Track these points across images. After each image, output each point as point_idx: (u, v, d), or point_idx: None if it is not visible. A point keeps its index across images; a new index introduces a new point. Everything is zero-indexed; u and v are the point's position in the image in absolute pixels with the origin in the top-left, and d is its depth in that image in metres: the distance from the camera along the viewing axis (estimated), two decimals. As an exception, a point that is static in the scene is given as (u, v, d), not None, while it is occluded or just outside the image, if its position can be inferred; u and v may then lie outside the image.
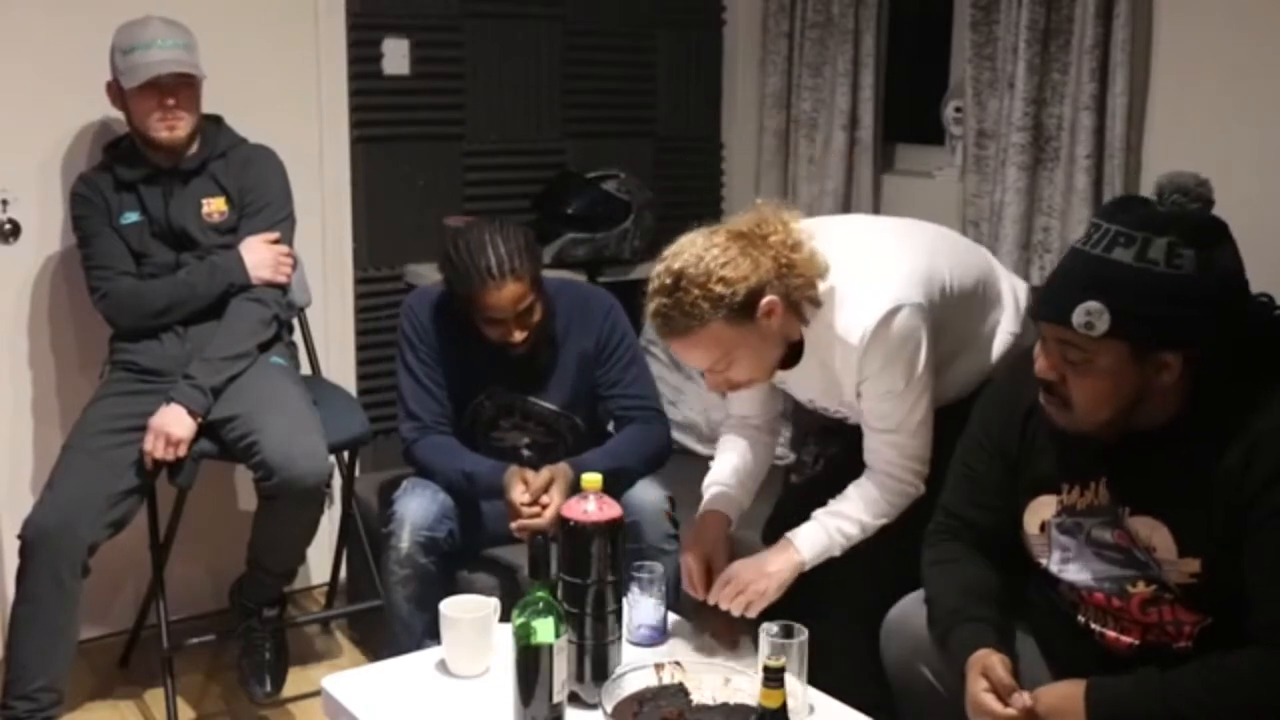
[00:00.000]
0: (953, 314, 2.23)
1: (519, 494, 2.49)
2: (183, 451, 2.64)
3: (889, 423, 2.20)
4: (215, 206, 2.86)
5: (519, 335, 2.57)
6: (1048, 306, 1.77)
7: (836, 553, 2.22)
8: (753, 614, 2.16)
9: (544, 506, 2.47)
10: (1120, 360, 1.71)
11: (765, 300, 2.07)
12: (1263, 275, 1.84)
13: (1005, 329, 2.35)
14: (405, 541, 2.56)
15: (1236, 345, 1.74)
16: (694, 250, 2.08)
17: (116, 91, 2.80)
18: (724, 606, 2.17)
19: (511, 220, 2.68)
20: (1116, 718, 1.73)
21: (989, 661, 1.81)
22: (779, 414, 2.51)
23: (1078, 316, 1.69)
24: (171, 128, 2.78)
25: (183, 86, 2.77)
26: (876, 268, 2.17)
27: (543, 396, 2.72)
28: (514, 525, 2.49)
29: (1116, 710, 1.73)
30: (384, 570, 2.62)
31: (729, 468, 2.43)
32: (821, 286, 2.13)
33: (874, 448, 2.24)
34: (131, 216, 2.83)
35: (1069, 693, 1.76)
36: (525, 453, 2.74)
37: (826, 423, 2.47)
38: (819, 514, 2.24)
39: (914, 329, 2.12)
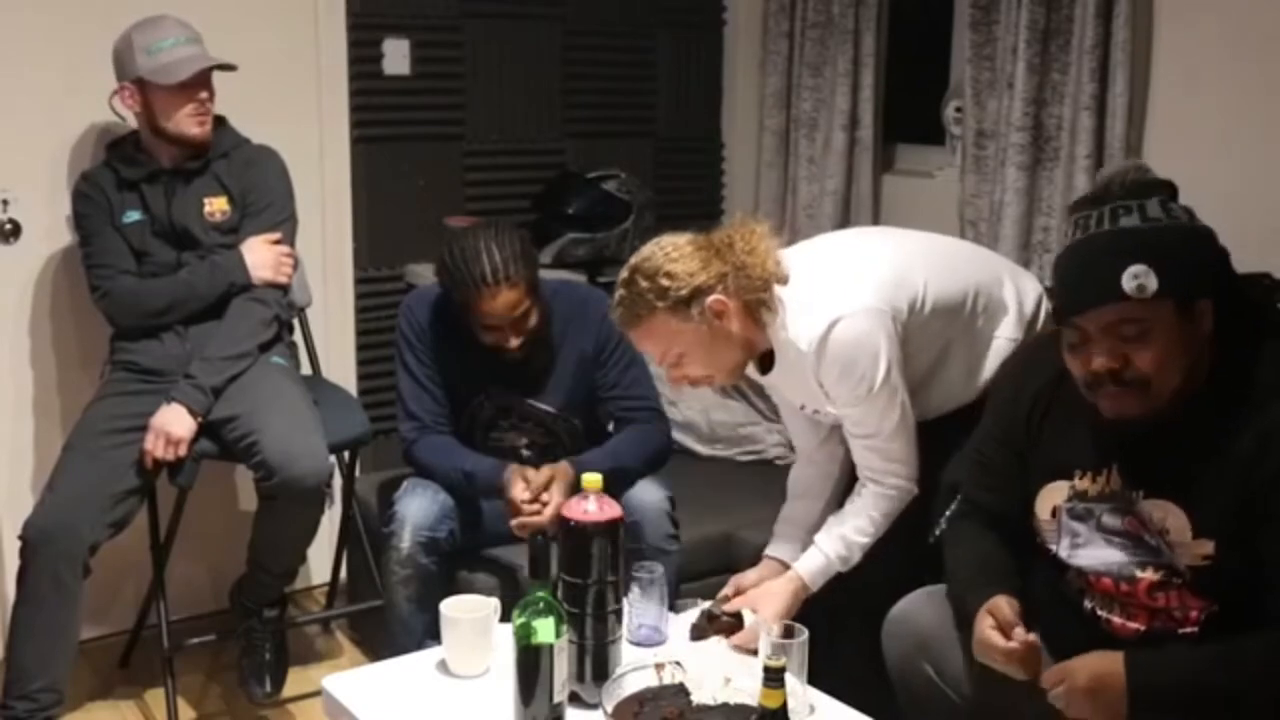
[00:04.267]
0: (930, 326, 2.25)
1: (519, 491, 2.49)
2: (183, 451, 2.64)
3: (865, 428, 2.24)
4: (217, 206, 2.87)
5: (515, 341, 2.57)
6: (1087, 293, 1.73)
7: (839, 569, 2.27)
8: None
9: (544, 504, 2.47)
10: (1171, 318, 1.72)
11: (711, 299, 2.14)
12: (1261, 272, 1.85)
13: (1005, 335, 2.35)
14: (406, 542, 2.57)
15: (1241, 307, 1.77)
16: (652, 248, 2.21)
17: (135, 90, 2.79)
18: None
19: (509, 222, 2.68)
20: (1156, 684, 1.74)
21: (996, 602, 1.85)
22: (827, 437, 2.48)
23: (1127, 282, 1.69)
24: (202, 123, 2.81)
25: (208, 83, 2.81)
26: (832, 279, 2.21)
27: (540, 399, 2.72)
28: (514, 523, 2.49)
29: (1157, 676, 1.75)
30: (385, 570, 2.62)
31: (800, 506, 2.47)
32: (779, 293, 2.17)
33: (857, 453, 2.28)
34: (133, 215, 2.83)
35: (1106, 661, 1.76)
36: (524, 453, 2.74)
37: None
38: (819, 539, 2.28)
39: (865, 336, 2.14)
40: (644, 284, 2.15)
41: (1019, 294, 2.38)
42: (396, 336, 2.74)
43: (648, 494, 2.61)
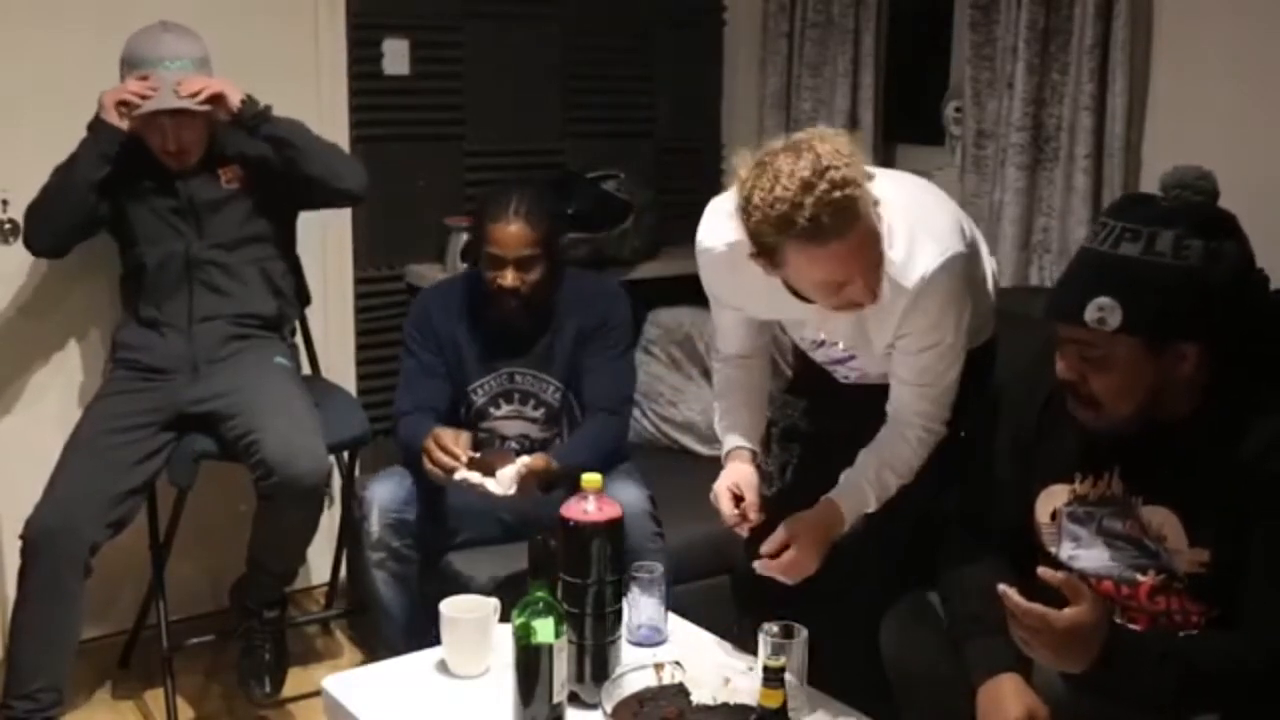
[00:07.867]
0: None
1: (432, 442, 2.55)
2: (218, 88, 2.70)
3: (927, 377, 2.15)
4: (232, 173, 2.88)
5: (512, 279, 2.63)
6: (1061, 307, 1.78)
7: (872, 508, 2.20)
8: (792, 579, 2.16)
9: (455, 456, 2.52)
10: (1137, 353, 1.72)
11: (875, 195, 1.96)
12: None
13: (988, 272, 2.34)
14: (375, 525, 2.63)
15: (1255, 334, 1.75)
16: (820, 147, 1.93)
17: None
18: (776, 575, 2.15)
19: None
20: (1127, 649, 1.73)
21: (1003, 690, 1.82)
22: (768, 341, 2.45)
23: (1090, 313, 1.71)
24: (179, 158, 2.79)
25: (187, 118, 2.75)
26: (927, 214, 2.10)
27: (547, 371, 2.78)
28: (426, 467, 2.55)
29: (1129, 644, 1.74)
30: (363, 559, 2.66)
31: (739, 400, 2.38)
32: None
33: (906, 400, 2.19)
34: (150, 183, 2.82)
35: (1094, 614, 1.71)
36: (514, 445, 2.77)
37: (815, 383, 2.44)
38: (865, 483, 2.19)
39: (965, 278, 2.10)
40: (849, 189, 1.89)
41: (987, 258, 2.36)
42: (404, 331, 2.83)
43: (628, 494, 2.56)
